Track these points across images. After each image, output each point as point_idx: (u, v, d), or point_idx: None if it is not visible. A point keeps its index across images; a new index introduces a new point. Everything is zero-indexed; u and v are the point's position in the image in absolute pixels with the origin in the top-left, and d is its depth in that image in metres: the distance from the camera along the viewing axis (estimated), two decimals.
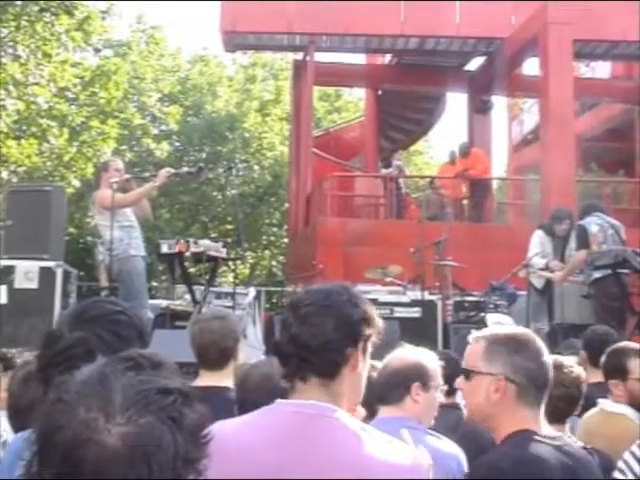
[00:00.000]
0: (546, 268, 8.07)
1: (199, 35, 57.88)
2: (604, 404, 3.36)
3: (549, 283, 8.12)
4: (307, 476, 1.53)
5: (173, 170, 7.11)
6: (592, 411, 3.43)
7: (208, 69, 24.23)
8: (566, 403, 2.73)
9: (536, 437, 2.00)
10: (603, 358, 3.50)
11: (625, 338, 6.27)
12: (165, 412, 0.97)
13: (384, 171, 14.16)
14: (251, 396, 2.50)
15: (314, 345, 1.63)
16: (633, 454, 2.18)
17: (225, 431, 1.58)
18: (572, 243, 8.22)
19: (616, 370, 3.38)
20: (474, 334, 2.17)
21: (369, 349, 1.70)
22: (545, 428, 2.06)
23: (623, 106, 16.45)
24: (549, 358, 2.09)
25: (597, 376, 3.78)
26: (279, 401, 1.71)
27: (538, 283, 8.14)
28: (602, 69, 17.05)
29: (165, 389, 0.98)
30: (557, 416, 2.33)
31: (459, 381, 2.15)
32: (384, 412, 2.68)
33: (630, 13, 12.92)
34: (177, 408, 0.98)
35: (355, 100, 25.91)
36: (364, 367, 1.70)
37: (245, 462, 1.57)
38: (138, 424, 0.95)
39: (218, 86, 23.52)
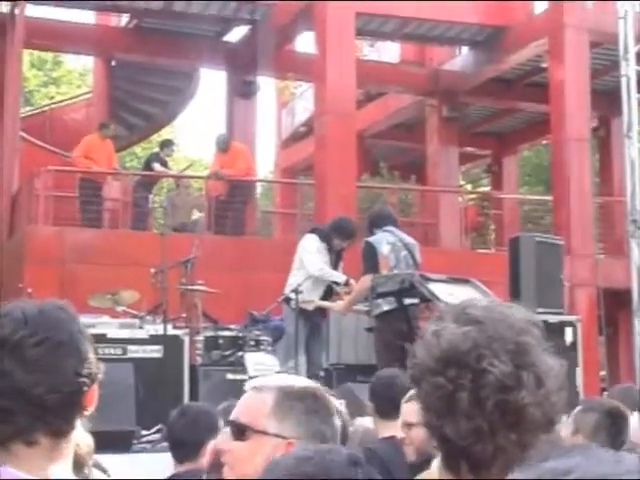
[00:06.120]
0: (347, 285, 8.29)
1: None
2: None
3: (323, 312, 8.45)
4: None
5: None
6: None
7: None
8: None
9: None
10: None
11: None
12: None
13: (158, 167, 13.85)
14: None
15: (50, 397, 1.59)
16: None
17: None
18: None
19: None
20: (254, 381, 2.16)
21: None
22: None
23: (413, 97, 17.50)
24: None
25: (388, 429, 4.06)
26: None
27: (309, 307, 8.41)
28: (390, 51, 18.03)
29: None
30: None
31: (223, 440, 2.12)
32: None
33: None
34: None
35: (80, 70, 25.38)
36: None
37: None
38: None
39: None
